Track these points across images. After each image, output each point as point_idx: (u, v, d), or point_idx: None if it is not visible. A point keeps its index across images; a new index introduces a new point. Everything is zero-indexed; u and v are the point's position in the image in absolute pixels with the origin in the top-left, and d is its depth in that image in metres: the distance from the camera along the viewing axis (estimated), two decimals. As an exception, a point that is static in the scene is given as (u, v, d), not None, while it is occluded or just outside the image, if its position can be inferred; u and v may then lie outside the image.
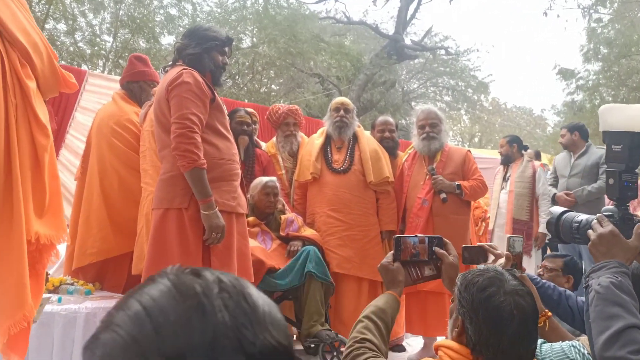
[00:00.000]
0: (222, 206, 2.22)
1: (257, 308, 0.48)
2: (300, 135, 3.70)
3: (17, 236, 1.54)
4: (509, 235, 1.63)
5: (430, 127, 3.38)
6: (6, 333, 1.54)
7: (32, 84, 1.65)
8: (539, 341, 1.33)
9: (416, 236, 1.47)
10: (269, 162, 3.46)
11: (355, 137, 3.49)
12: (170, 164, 2.21)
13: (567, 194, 4.12)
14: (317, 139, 3.52)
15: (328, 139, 3.50)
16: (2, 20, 1.57)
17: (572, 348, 1.26)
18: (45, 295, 1.93)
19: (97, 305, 2.37)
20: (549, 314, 1.50)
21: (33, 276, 1.62)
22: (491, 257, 1.56)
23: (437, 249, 1.45)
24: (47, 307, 2.12)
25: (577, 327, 1.52)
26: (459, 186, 3.28)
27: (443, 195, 3.25)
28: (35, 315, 1.65)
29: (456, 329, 1.10)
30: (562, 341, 1.43)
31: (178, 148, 2.11)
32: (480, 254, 1.57)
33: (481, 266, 1.18)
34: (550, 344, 1.31)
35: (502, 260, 1.53)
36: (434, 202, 3.27)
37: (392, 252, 1.46)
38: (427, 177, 3.32)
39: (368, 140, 3.49)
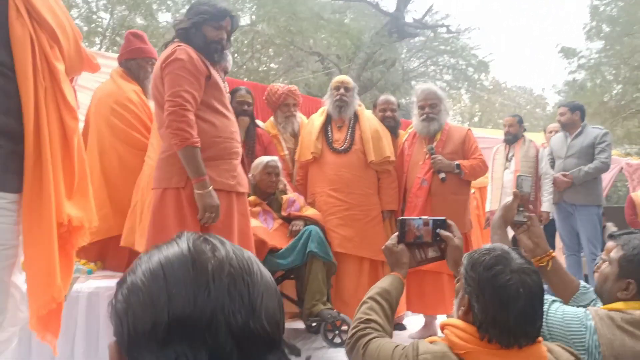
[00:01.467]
0: (220, 185, 2.19)
1: (256, 298, 0.53)
2: (299, 116, 3.66)
3: (47, 219, 1.55)
4: (518, 174, 1.65)
5: (430, 107, 3.34)
6: (35, 314, 1.55)
7: (60, 66, 1.64)
8: (550, 299, 1.34)
9: (420, 218, 1.48)
10: (269, 142, 3.43)
11: (356, 116, 3.45)
12: (168, 142, 2.18)
13: (564, 175, 4.11)
14: (318, 118, 3.49)
15: (329, 118, 3.46)
16: (31, 0, 1.55)
17: (577, 319, 1.26)
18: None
19: (99, 284, 2.38)
20: (553, 254, 1.52)
21: (62, 256, 1.63)
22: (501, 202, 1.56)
23: (442, 231, 1.46)
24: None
25: None
26: (458, 165, 3.26)
27: (442, 175, 3.23)
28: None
29: (462, 308, 1.10)
30: (564, 283, 1.46)
31: (170, 126, 2.08)
32: None
33: (487, 245, 1.17)
34: (556, 309, 1.30)
35: (509, 198, 1.55)
36: (433, 182, 3.26)
37: (397, 234, 1.48)
38: (427, 156, 3.31)
39: (369, 120, 3.46)
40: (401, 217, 1.52)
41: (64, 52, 1.66)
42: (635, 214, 5.48)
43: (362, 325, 1.25)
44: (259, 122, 3.59)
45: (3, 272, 1.55)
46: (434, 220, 1.47)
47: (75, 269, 2.50)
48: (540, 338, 1.08)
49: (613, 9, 11.33)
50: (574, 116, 4.23)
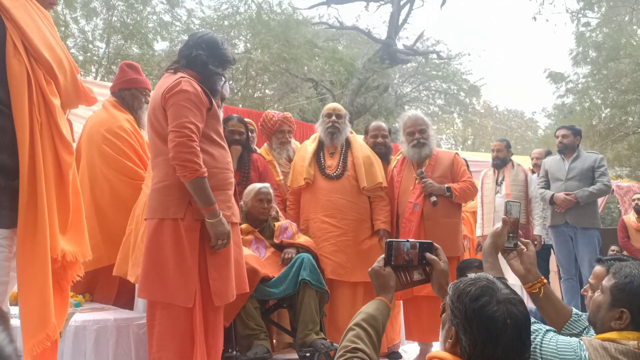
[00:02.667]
0: None
1: None
2: (294, 142, 3.69)
3: (42, 256, 1.53)
4: (507, 200, 1.64)
5: (420, 133, 3.38)
6: (29, 353, 1.52)
7: (56, 102, 1.65)
8: (544, 328, 1.32)
9: (407, 241, 1.47)
10: (265, 166, 3.44)
11: (348, 143, 3.49)
12: (163, 172, 2.17)
13: (567, 194, 4.14)
14: (310, 144, 3.52)
15: (321, 145, 3.49)
16: (29, 36, 1.56)
17: (570, 350, 1.25)
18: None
19: (86, 317, 2.33)
20: (545, 280, 1.51)
21: (57, 292, 1.60)
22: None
23: (428, 254, 1.45)
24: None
25: None
26: (448, 188, 3.28)
27: (433, 199, 3.24)
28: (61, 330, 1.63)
29: (449, 340, 1.09)
30: (556, 310, 1.45)
31: (178, 158, 2.07)
32: None
33: (472, 275, 1.17)
34: (550, 338, 1.29)
35: (499, 224, 1.54)
36: (424, 206, 3.27)
37: (383, 256, 1.45)
38: (417, 181, 3.33)
39: (361, 146, 3.49)
40: (389, 240, 1.49)
41: (61, 86, 1.67)
42: (628, 237, 5.50)
43: (349, 355, 1.21)
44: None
45: None
46: (420, 243, 1.46)
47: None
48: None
49: (598, 35, 11.60)
50: (575, 140, 4.32)
